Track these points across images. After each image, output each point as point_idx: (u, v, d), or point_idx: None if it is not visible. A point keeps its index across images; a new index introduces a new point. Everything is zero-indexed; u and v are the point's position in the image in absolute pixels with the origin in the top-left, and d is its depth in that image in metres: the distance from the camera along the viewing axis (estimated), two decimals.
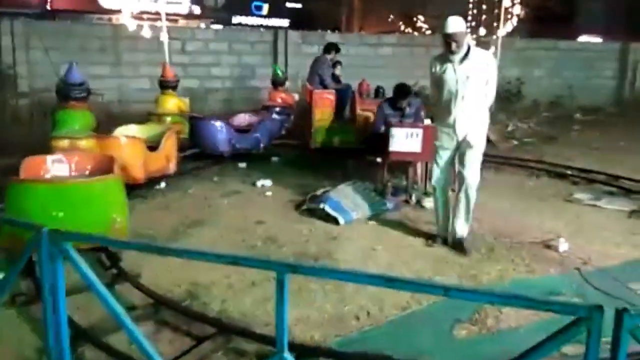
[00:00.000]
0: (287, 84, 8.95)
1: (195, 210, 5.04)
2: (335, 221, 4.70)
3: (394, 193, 5.49)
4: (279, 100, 8.27)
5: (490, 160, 7.09)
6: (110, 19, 16.09)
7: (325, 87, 7.42)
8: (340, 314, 3.12)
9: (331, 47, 7.90)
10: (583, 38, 18.78)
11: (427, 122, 5.55)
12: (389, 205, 5.17)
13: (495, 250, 4.15)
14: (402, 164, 5.65)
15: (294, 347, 2.26)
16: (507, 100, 11.13)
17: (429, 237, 4.36)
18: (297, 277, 2.82)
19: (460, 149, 4.06)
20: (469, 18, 12.12)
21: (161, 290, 3.30)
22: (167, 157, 5.81)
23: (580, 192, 5.87)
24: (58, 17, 15.15)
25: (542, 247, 4.23)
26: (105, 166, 4.28)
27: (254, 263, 1.55)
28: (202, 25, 17.14)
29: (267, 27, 17.04)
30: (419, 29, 13.73)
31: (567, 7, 19.40)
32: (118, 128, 5.89)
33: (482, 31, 12.32)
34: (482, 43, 11.98)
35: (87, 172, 4.35)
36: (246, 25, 19.64)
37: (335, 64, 8.09)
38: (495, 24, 11.50)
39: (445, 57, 3.97)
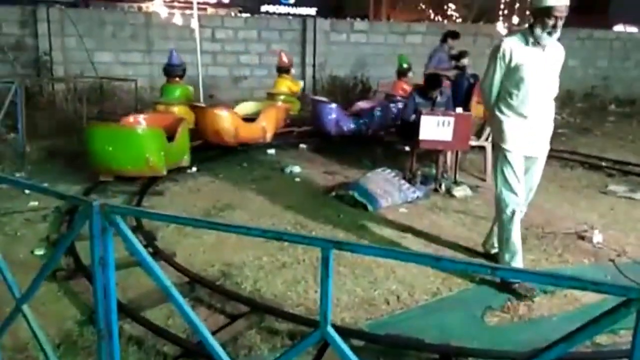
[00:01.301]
0: (410, 74, 8.84)
1: (226, 195, 5.12)
2: (364, 208, 4.71)
3: (423, 182, 5.47)
4: (401, 91, 8.33)
5: None
6: (140, 7, 16.31)
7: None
8: (370, 297, 3.15)
9: (447, 35, 7.75)
10: (618, 27, 18.18)
11: (459, 110, 5.50)
12: (419, 193, 5.15)
13: (527, 241, 4.08)
14: (432, 153, 5.61)
15: None
16: None
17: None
18: None
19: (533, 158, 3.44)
20: (502, 6, 11.82)
21: (195, 270, 3.38)
22: (263, 128, 6.77)
23: (615, 184, 5.74)
24: (92, 5, 15.45)
25: (575, 238, 4.16)
26: (174, 125, 5.64)
27: (298, 239, 1.57)
28: (232, 13, 17.22)
29: (295, 16, 17.00)
30: (449, 17, 13.50)
31: None
32: (240, 104, 7.43)
33: (515, 19, 12.04)
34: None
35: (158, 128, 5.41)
36: (274, 13, 19.65)
37: (461, 53, 7.78)
38: (528, 13, 11.24)
39: (531, 39, 3.18)
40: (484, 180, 5.76)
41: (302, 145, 7.34)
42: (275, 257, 3.57)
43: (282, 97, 8.11)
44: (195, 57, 8.54)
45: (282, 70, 8.41)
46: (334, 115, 7.21)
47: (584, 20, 16.37)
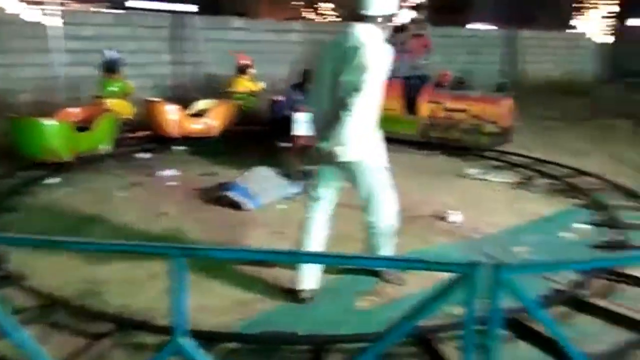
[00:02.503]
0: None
1: (91, 206, 4.78)
2: (241, 208, 4.69)
3: (301, 177, 5.58)
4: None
5: (392, 142, 7.45)
6: None
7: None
8: (242, 299, 3.14)
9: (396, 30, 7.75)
10: (475, 25, 20.07)
11: None
12: (297, 189, 5.24)
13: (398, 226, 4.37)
14: (309, 148, 5.74)
15: (197, 335, 2.24)
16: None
17: None
18: (194, 268, 2.80)
19: None
20: None
21: (54, 291, 3.12)
22: (208, 123, 7.22)
23: (470, 167, 6.34)
24: None
25: (436, 220, 4.53)
26: (94, 117, 6.45)
27: (145, 249, 1.53)
28: (99, 9, 16.04)
29: (171, 12, 16.32)
30: (323, 16, 13.88)
31: None
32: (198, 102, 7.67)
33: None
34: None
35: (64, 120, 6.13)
36: (143, 9, 18.65)
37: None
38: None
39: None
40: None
41: (177, 147, 7.08)
42: (144, 268, 3.42)
43: (239, 95, 8.30)
44: (53, 56, 7.85)
45: (241, 70, 8.56)
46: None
47: (446, 19, 17.87)
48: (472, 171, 6.15)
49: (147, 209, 4.72)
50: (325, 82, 2.99)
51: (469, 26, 19.46)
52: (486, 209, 4.84)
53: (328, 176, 3.21)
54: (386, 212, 3.29)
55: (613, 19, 18.96)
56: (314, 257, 1.55)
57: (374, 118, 2.99)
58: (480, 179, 5.89)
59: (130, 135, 7.18)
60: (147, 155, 6.72)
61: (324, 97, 3.02)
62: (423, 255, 3.77)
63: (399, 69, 7.14)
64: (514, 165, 6.42)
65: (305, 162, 3.02)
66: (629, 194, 5.24)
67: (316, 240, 3.17)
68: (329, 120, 2.91)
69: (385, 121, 6.93)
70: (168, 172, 5.88)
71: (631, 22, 24.81)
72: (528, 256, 3.84)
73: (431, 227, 4.36)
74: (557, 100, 12.04)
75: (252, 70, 8.61)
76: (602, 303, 3.03)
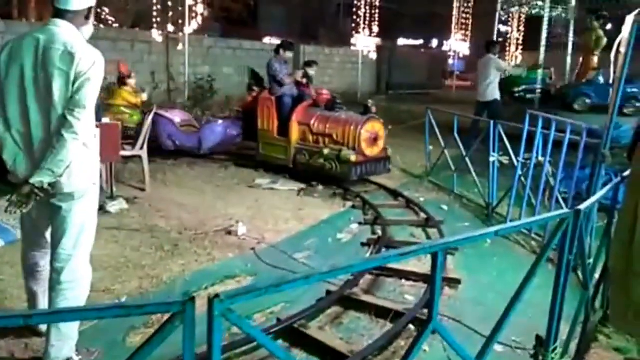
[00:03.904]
0: None
1: None
2: None
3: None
4: None
5: (184, 156, 7.24)
6: None
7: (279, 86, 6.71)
8: None
9: (281, 47, 7.00)
10: (267, 39, 20.92)
11: (106, 120, 5.23)
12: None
13: (179, 245, 4.19)
14: None
15: None
16: (201, 96, 11.54)
17: None
18: None
19: None
20: (155, 14, 11.92)
21: None
22: None
23: (260, 177, 6.51)
24: None
25: (224, 234, 4.49)
26: None
27: None
28: None
29: None
30: (105, 22, 12.82)
31: (250, 11, 21.27)
32: None
33: (171, 28, 12.35)
34: (172, 39, 12.09)
35: None
36: None
37: (308, 63, 7.52)
38: (180, 22, 11.70)
39: None
40: (143, 190, 5.67)
41: None
42: None
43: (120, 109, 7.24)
44: None
45: (121, 80, 7.48)
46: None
47: (237, 31, 18.20)
48: (262, 181, 6.31)
49: None
50: (14, 95, 2.34)
51: (265, 40, 20.18)
52: (272, 218, 4.99)
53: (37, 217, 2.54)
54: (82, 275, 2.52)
55: (382, 38, 21.77)
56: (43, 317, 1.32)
57: (91, 137, 2.48)
58: (270, 189, 6.07)
59: None
60: None
61: (17, 115, 2.35)
62: (210, 274, 3.68)
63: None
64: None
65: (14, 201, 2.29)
66: (393, 193, 6.00)
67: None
68: (40, 145, 2.33)
69: (262, 144, 6.81)
70: None
71: (400, 41, 29.03)
72: (307, 261, 4.05)
73: (218, 243, 4.29)
74: None
75: (131, 80, 7.50)
76: (368, 298, 3.34)
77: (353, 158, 5.91)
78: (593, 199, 2.53)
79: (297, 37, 20.45)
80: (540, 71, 11.14)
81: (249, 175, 6.70)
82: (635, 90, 9.65)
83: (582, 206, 2.27)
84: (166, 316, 1.34)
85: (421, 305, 3.10)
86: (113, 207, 4.97)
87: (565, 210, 2.36)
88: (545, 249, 2.25)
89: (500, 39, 15.36)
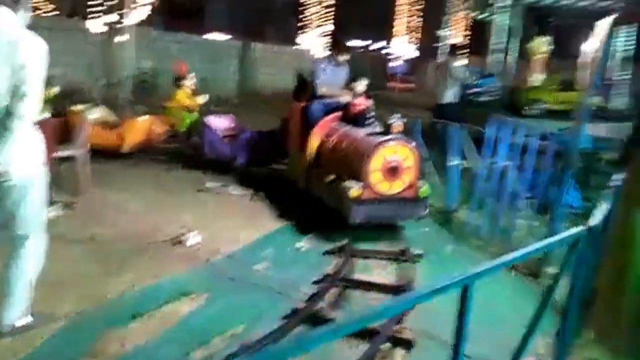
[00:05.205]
0: None
1: None
2: None
3: None
4: None
5: (126, 157, 6.73)
6: None
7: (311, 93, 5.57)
8: None
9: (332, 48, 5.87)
10: (213, 35, 20.32)
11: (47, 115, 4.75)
12: None
13: (125, 257, 3.81)
14: None
15: None
16: (143, 90, 10.93)
17: None
18: None
19: None
20: (93, 2, 11.19)
21: None
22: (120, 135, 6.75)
23: (211, 180, 6.13)
24: None
25: (174, 244, 4.13)
26: None
27: None
28: None
29: None
30: (38, 10, 11.89)
31: (196, 5, 20.60)
32: None
33: (112, 18, 11.63)
34: (116, 30, 11.36)
35: None
36: None
37: (355, 78, 5.63)
38: (122, 12, 11.02)
39: None
40: (81, 194, 5.18)
41: None
42: None
43: (172, 111, 7.25)
44: None
45: (179, 81, 7.34)
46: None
47: (183, 25, 17.51)
48: (213, 184, 5.95)
49: None
50: None
51: (207, 35, 19.55)
52: (227, 226, 4.67)
53: None
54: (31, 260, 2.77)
55: (331, 37, 21.69)
56: None
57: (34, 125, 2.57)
58: (220, 193, 5.73)
59: None
60: None
61: None
62: (161, 290, 3.33)
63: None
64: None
65: None
66: None
67: None
68: None
69: (290, 159, 5.63)
70: None
71: (351, 42, 29.04)
72: (266, 272, 3.79)
73: (167, 254, 3.94)
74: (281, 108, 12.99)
75: (187, 82, 7.25)
76: (335, 315, 3.12)
77: (355, 193, 4.22)
78: (600, 213, 2.33)
79: (242, 33, 19.98)
80: (493, 78, 11.47)
81: (197, 177, 6.30)
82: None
83: (592, 222, 2.12)
84: None
85: (395, 321, 2.92)
86: (48, 213, 4.47)
87: (579, 228, 2.13)
88: (559, 274, 2.11)
89: (447, 43, 15.67)
